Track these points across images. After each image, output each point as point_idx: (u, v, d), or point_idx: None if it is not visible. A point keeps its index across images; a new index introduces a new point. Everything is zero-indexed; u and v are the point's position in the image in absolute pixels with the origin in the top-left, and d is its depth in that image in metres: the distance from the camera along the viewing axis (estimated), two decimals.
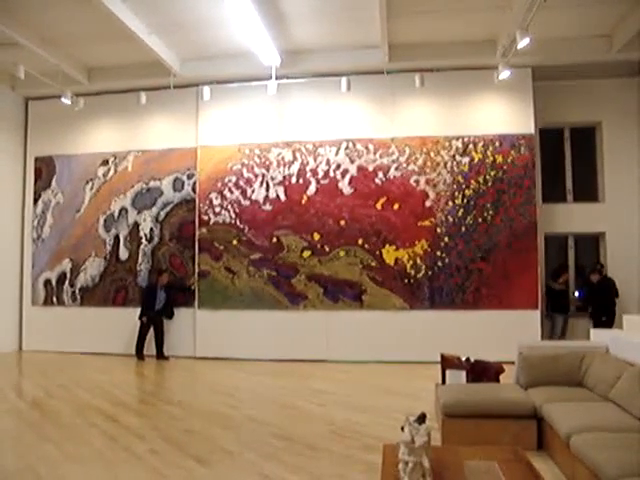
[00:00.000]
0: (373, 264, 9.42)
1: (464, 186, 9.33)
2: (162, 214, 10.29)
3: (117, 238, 10.44)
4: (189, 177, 10.21)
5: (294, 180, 9.76)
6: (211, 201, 9.98)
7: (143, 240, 10.33)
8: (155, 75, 9.81)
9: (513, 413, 4.67)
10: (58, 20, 8.29)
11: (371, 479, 3.94)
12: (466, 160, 9.34)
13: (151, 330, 9.79)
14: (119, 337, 10.18)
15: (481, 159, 9.32)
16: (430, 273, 9.29)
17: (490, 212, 9.24)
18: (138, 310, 10.04)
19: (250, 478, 4.19)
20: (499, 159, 9.27)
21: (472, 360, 5.90)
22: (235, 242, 9.83)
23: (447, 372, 5.85)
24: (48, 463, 4.45)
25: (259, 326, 9.67)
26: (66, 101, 9.49)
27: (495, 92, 9.33)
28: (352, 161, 9.61)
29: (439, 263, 9.29)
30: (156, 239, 10.28)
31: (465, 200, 9.31)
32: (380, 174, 9.52)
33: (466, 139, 9.36)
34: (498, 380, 5.76)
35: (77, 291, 10.53)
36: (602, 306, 8.95)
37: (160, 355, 9.71)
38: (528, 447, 4.23)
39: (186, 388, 7.66)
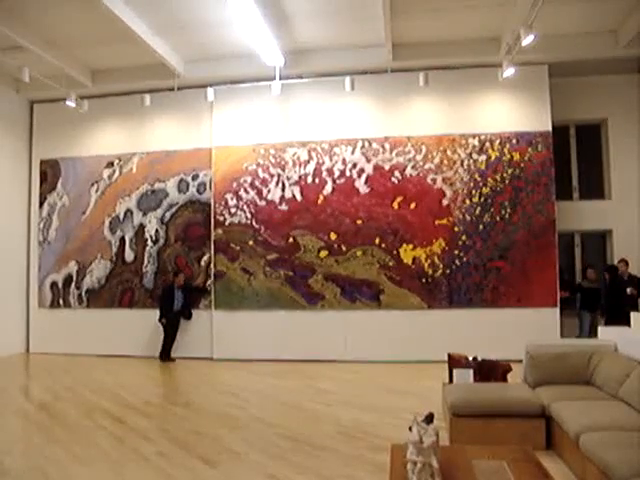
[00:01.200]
0: (390, 263, 9.38)
1: (481, 184, 9.29)
2: (167, 215, 10.30)
3: (123, 240, 10.45)
4: (194, 178, 10.21)
5: (310, 180, 9.73)
6: (226, 202, 9.96)
7: (148, 242, 10.34)
8: (159, 77, 9.82)
9: (521, 412, 4.65)
10: (62, 23, 8.32)
11: (379, 479, 3.92)
12: (483, 158, 9.30)
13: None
14: (125, 339, 10.20)
15: (498, 157, 9.27)
16: (448, 272, 9.25)
17: (508, 210, 9.18)
18: (144, 311, 10.09)
19: (257, 478, 4.18)
20: (516, 157, 9.22)
21: (479, 359, 5.87)
22: (251, 242, 9.81)
23: (454, 371, 5.82)
24: (56, 464, 4.46)
25: (276, 327, 9.63)
26: (71, 104, 9.52)
27: (511, 89, 9.27)
28: (368, 160, 9.57)
29: (457, 262, 9.24)
30: (161, 240, 10.29)
31: (482, 198, 9.27)
32: (396, 173, 9.48)
33: (482, 137, 9.31)
34: (506, 379, 5.73)
35: (83, 293, 10.55)
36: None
37: (167, 356, 9.71)
38: (537, 446, 4.21)
39: (193, 389, 7.65)
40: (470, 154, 9.34)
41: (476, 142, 9.35)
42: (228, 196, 9.96)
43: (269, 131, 9.96)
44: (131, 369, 9.04)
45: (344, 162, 9.64)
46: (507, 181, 9.23)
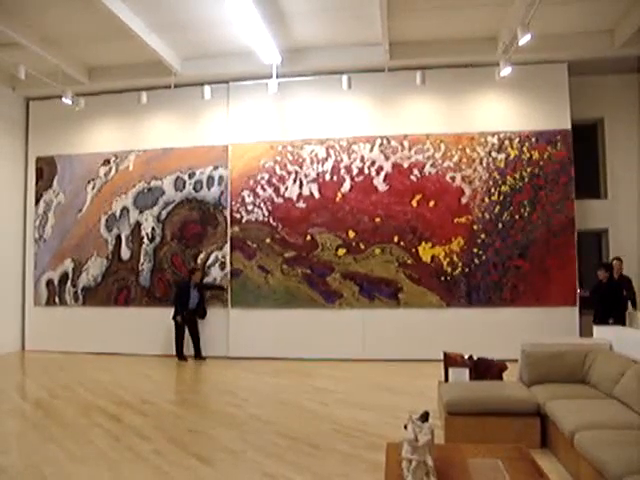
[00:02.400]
0: (409, 262, 9.37)
1: (500, 182, 9.28)
2: (164, 213, 10.29)
3: (119, 238, 10.44)
4: (190, 176, 10.20)
5: (328, 177, 9.70)
6: (243, 199, 9.92)
7: (145, 240, 10.33)
8: (156, 74, 9.81)
9: (516, 411, 4.67)
10: (58, 20, 8.29)
11: (375, 478, 3.93)
12: (502, 156, 9.30)
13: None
14: (121, 337, 10.19)
15: (517, 155, 9.27)
16: (467, 270, 9.24)
17: (527, 208, 9.18)
18: (140, 309, 10.10)
19: (253, 477, 4.19)
20: (535, 155, 9.22)
21: (475, 358, 5.89)
22: (268, 240, 9.78)
23: (450, 370, 5.82)
24: (52, 463, 4.46)
25: (293, 325, 9.60)
26: (67, 101, 9.48)
27: (530, 88, 9.30)
28: (387, 158, 9.55)
29: (476, 260, 9.25)
30: (158, 238, 10.28)
31: (501, 197, 9.27)
32: (415, 171, 9.46)
33: (502, 135, 9.31)
34: (501, 378, 5.75)
35: (79, 291, 10.54)
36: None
37: (198, 355, 9.63)
38: (532, 445, 4.22)
39: (193, 388, 7.65)
40: (489, 152, 9.33)
41: (495, 140, 9.34)
42: (245, 193, 9.91)
43: (286, 128, 9.91)
44: (127, 367, 9.03)
45: (362, 160, 9.61)
46: (526, 179, 9.23)
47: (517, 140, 9.30)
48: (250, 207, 9.89)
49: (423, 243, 9.36)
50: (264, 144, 9.93)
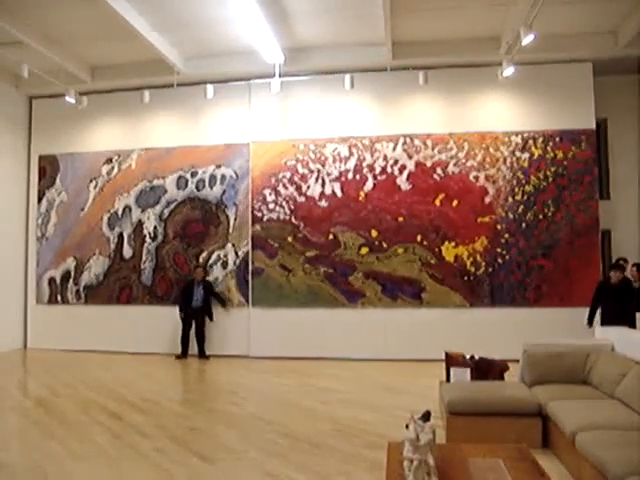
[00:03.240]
0: (432, 261, 9.33)
1: (524, 182, 9.24)
2: (166, 212, 10.29)
3: (121, 236, 10.45)
4: (193, 175, 10.21)
5: (350, 176, 9.66)
6: (264, 197, 9.88)
7: (147, 238, 10.33)
8: (158, 73, 9.80)
9: (518, 411, 4.67)
10: (61, 19, 8.30)
11: (376, 477, 3.93)
12: (526, 156, 9.26)
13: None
14: (123, 335, 10.19)
15: (541, 155, 9.23)
16: (490, 270, 9.21)
17: (551, 208, 9.15)
18: (142, 308, 10.12)
19: (254, 476, 4.19)
20: (559, 155, 9.18)
21: (476, 358, 5.89)
22: (290, 239, 9.74)
23: (452, 370, 5.82)
24: (54, 460, 4.47)
25: (315, 325, 9.55)
26: (70, 100, 9.50)
27: (555, 88, 9.26)
28: (410, 157, 9.51)
29: (499, 260, 9.21)
30: (160, 237, 10.29)
31: (525, 196, 9.23)
32: (438, 170, 9.42)
33: (525, 135, 9.27)
34: (502, 378, 5.75)
35: (81, 289, 10.55)
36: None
37: (201, 354, 9.61)
38: (533, 445, 4.22)
39: (194, 386, 7.66)
40: (513, 152, 9.30)
41: (519, 140, 9.30)
42: (266, 192, 9.88)
43: (309, 126, 9.87)
44: (129, 365, 9.04)
45: (385, 158, 9.57)
46: (550, 179, 9.19)
47: (541, 140, 9.24)
48: (272, 205, 9.84)
49: (446, 242, 9.32)
50: (286, 142, 9.89)
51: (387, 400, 6.53)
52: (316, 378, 7.90)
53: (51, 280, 10.72)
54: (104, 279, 10.45)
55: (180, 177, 10.27)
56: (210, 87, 9.42)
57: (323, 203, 9.70)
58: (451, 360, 5.89)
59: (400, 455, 2.99)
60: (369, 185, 9.60)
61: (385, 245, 9.47)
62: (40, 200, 10.90)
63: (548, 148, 9.23)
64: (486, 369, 5.75)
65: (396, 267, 9.41)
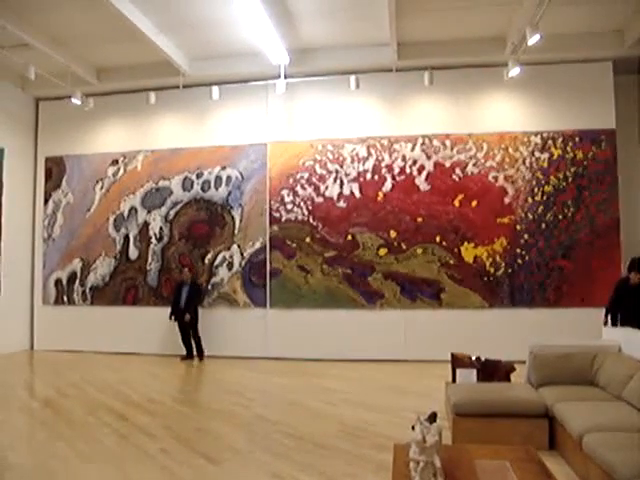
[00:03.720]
0: (451, 262, 9.30)
1: (543, 182, 9.20)
2: (172, 213, 10.32)
3: (127, 238, 10.48)
4: (198, 176, 10.23)
5: (369, 176, 9.63)
6: (282, 198, 9.87)
7: (153, 239, 10.36)
8: (164, 75, 9.83)
9: (524, 412, 4.65)
10: (68, 21, 8.34)
11: (382, 478, 3.93)
12: (545, 156, 9.22)
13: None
14: (129, 336, 10.23)
15: (561, 155, 9.19)
16: (510, 271, 9.17)
17: (571, 209, 9.10)
18: (148, 309, 10.17)
19: (260, 477, 4.19)
20: (579, 155, 9.13)
21: (483, 359, 5.87)
22: (308, 240, 9.72)
23: (457, 371, 5.81)
24: (60, 460, 4.49)
25: (333, 326, 9.52)
26: (76, 101, 9.53)
27: (576, 87, 9.21)
28: (428, 157, 9.48)
29: (519, 260, 9.17)
30: (166, 238, 10.31)
31: (545, 197, 9.18)
32: (457, 170, 9.40)
33: (545, 135, 9.23)
34: (509, 379, 5.73)
35: (87, 290, 10.59)
36: None
37: (198, 354, 9.63)
38: (539, 447, 4.19)
39: (200, 387, 7.67)
40: (532, 152, 9.26)
41: (538, 140, 9.27)
42: (284, 192, 9.86)
43: (328, 126, 9.86)
44: (135, 366, 9.07)
45: (404, 159, 9.54)
46: (570, 179, 9.14)
47: (560, 140, 9.20)
48: (290, 206, 9.84)
49: (465, 243, 9.29)
50: (304, 143, 9.88)
51: (393, 401, 6.52)
52: (322, 379, 7.89)
53: (57, 281, 10.76)
54: (110, 280, 10.49)
55: (186, 178, 10.30)
56: (216, 88, 9.45)
57: (341, 204, 9.68)
58: (457, 361, 5.87)
59: (406, 456, 2.98)
60: (388, 185, 9.56)
61: (404, 246, 9.44)
62: (46, 201, 10.95)
63: (568, 148, 9.18)
64: (492, 370, 5.73)
65: (415, 268, 9.38)
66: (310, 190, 9.79)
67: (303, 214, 9.79)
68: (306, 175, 9.82)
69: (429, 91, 9.37)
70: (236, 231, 10.04)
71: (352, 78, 9.01)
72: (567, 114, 9.26)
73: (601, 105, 9.16)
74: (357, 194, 9.65)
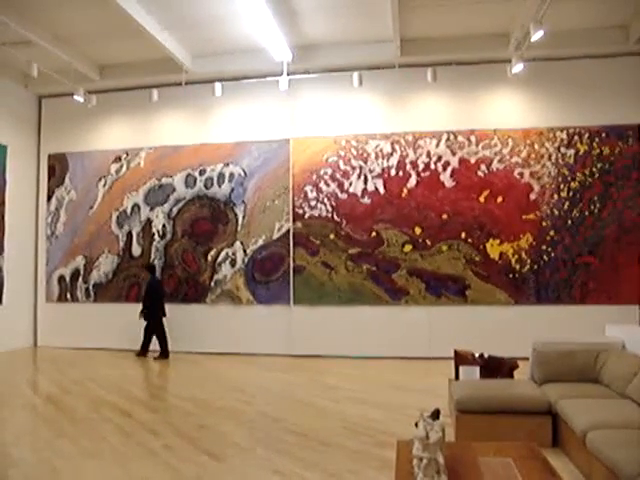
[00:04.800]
0: (477, 258, 9.26)
1: (569, 178, 9.14)
2: (174, 210, 10.32)
3: (130, 235, 10.49)
4: (201, 173, 10.22)
5: (393, 172, 9.58)
6: (306, 194, 9.82)
7: (155, 236, 10.37)
8: (167, 72, 9.83)
9: (528, 409, 4.63)
10: (70, 18, 8.34)
11: (385, 475, 3.92)
12: (571, 152, 9.16)
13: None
14: (133, 333, 10.19)
15: (587, 151, 9.12)
16: (536, 267, 9.11)
17: (597, 205, 9.04)
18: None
19: (263, 473, 4.19)
20: (606, 151, 9.06)
21: (486, 356, 5.86)
22: (332, 236, 9.68)
23: (461, 368, 5.81)
24: (64, 457, 4.50)
25: (358, 323, 9.47)
26: (79, 99, 9.53)
27: (607, 82, 9.11)
28: (453, 153, 9.43)
29: (545, 257, 9.12)
30: (168, 235, 10.32)
31: (571, 193, 9.12)
32: (482, 166, 9.35)
33: (571, 130, 9.15)
34: (512, 376, 5.72)
35: (91, 287, 10.61)
36: None
37: (142, 351, 9.60)
38: (543, 444, 4.18)
39: (202, 384, 7.66)
40: (558, 148, 9.20)
41: (564, 135, 9.20)
42: (308, 188, 9.82)
43: (351, 122, 9.80)
44: (138, 363, 9.09)
45: (429, 155, 9.50)
46: (596, 175, 9.07)
47: (587, 135, 9.12)
48: (313, 202, 9.80)
49: (491, 240, 9.25)
50: (327, 138, 9.83)
51: (399, 398, 6.52)
52: (327, 376, 7.90)
53: (61, 278, 10.78)
54: (113, 277, 10.50)
55: (188, 175, 10.30)
56: (218, 85, 9.42)
57: (366, 200, 9.63)
58: (460, 358, 5.87)
59: (409, 453, 2.98)
60: (412, 182, 9.52)
61: (429, 242, 9.40)
62: (49, 199, 10.97)
63: (594, 144, 9.11)
64: (495, 367, 5.73)
65: (440, 264, 9.34)
66: (334, 186, 9.74)
67: (327, 210, 9.75)
68: (330, 171, 9.77)
69: (432, 88, 9.34)
70: (239, 228, 10.03)
71: (355, 75, 8.99)
72: (593, 110, 9.14)
73: (628, 100, 9.06)
74: (381, 190, 9.60)
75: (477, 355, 5.87)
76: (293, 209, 9.84)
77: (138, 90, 10.40)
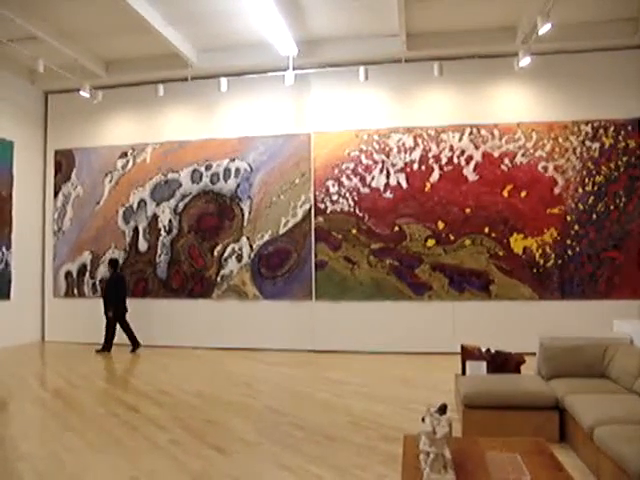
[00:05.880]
0: (500, 253, 9.20)
1: (594, 172, 9.06)
2: (181, 206, 10.33)
3: (136, 230, 10.51)
4: (207, 168, 10.23)
5: (416, 167, 9.52)
6: (327, 189, 9.77)
7: (162, 232, 10.39)
8: (172, 67, 9.83)
9: (535, 404, 4.62)
10: (76, 14, 8.34)
11: (392, 470, 3.92)
12: (596, 145, 9.07)
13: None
14: (139, 328, 10.24)
15: (612, 144, 9.03)
16: (560, 262, 9.05)
17: (622, 199, 8.96)
18: (158, 301, 10.17)
19: (269, 468, 4.20)
20: (631, 144, 8.98)
21: (493, 351, 5.84)
22: (354, 231, 9.63)
23: (467, 363, 5.78)
24: (71, 451, 4.52)
25: (381, 318, 9.43)
26: (85, 94, 9.56)
27: (623, 75, 9.00)
28: (477, 147, 9.37)
29: (569, 252, 9.05)
30: (175, 231, 10.33)
31: (596, 187, 9.04)
32: (506, 160, 9.28)
33: (596, 124, 9.05)
34: (519, 371, 5.69)
35: (97, 283, 10.64)
36: None
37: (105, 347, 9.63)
38: (550, 439, 4.16)
39: (209, 379, 7.68)
40: (583, 141, 9.12)
41: (589, 129, 9.10)
42: (329, 183, 9.77)
43: (372, 116, 9.73)
44: (144, 358, 9.12)
45: (452, 149, 9.43)
46: (622, 169, 8.99)
47: (612, 129, 9.03)
48: (335, 197, 9.75)
49: (515, 234, 9.18)
50: (349, 132, 9.77)
51: (403, 393, 6.52)
52: (334, 371, 7.90)
53: (68, 274, 10.82)
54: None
55: (194, 171, 10.30)
56: (224, 80, 9.42)
57: (388, 194, 9.58)
58: (467, 353, 5.85)
59: (416, 448, 2.97)
60: (435, 176, 9.45)
61: (452, 237, 9.34)
62: (56, 194, 11.00)
63: (620, 137, 9.02)
64: (502, 362, 5.70)
65: (463, 259, 9.29)
66: (356, 181, 9.69)
67: (349, 205, 9.70)
68: (351, 165, 9.72)
69: (439, 82, 9.29)
70: (245, 223, 10.04)
71: (361, 69, 8.96)
72: (619, 102, 9.02)
73: None
74: (404, 185, 9.54)
75: (484, 350, 5.85)
76: (315, 204, 9.79)
77: (144, 86, 10.42)
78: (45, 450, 4.59)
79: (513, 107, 9.37)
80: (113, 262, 9.90)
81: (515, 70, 8.73)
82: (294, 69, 9.17)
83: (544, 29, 7.01)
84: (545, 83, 9.26)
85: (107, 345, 9.60)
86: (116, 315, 9.59)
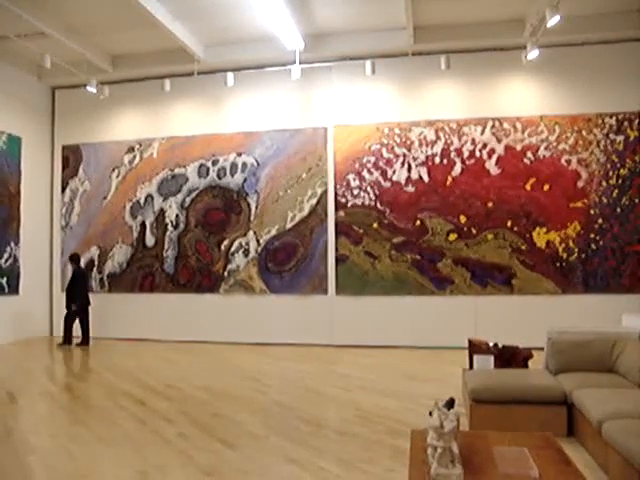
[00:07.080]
0: (523, 247, 9.14)
1: (619, 165, 8.97)
2: (187, 200, 10.35)
3: (143, 225, 10.54)
4: (214, 163, 10.23)
5: (438, 160, 9.46)
6: (348, 183, 9.72)
7: (169, 227, 10.41)
8: (179, 62, 9.83)
9: (543, 399, 4.61)
10: (82, 9, 8.35)
11: (399, 464, 3.92)
12: (621, 138, 8.97)
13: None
14: (146, 322, 10.32)
15: (637, 137, 8.93)
16: (583, 256, 8.99)
17: None
18: (165, 296, 10.20)
19: (277, 462, 4.21)
20: None
21: (500, 345, 5.83)
22: (375, 225, 9.59)
23: (475, 357, 5.77)
24: (80, 444, 4.55)
25: (402, 313, 9.41)
26: (92, 90, 9.58)
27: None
28: (499, 140, 9.30)
29: (593, 246, 8.98)
30: (182, 225, 10.36)
31: (620, 180, 8.95)
32: (529, 153, 9.20)
33: (620, 116, 8.96)
34: (527, 366, 5.69)
35: (105, 277, 10.69)
36: None
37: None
38: (558, 433, 4.15)
39: (216, 373, 7.71)
40: (607, 134, 9.02)
41: (613, 122, 9.00)
42: (350, 177, 9.72)
43: (393, 110, 9.68)
44: (152, 352, 9.15)
45: (473, 142, 9.37)
46: None
47: (637, 121, 8.92)
48: (356, 191, 9.70)
49: (537, 228, 9.12)
50: (370, 126, 9.71)
51: (412, 387, 6.51)
52: (342, 365, 7.91)
53: None
54: (127, 267, 10.58)
55: (201, 165, 10.31)
56: (230, 75, 9.42)
57: (409, 188, 9.52)
58: (474, 348, 5.84)
59: (424, 442, 2.97)
60: (457, 170, 9.39)
61: (474, 231, 9.29)
62: (64, 190, 11.05)
63: None
64: (510, 357, 5.70)
65: (486, 253, 9.24)
66: (377, 174, 9.63)
67: (370, 199, 9.66)
68: (372, 159, 9.67)
69: (446, 75, 9.25)
70: (252, 218, 10.04)
71: (368, 63, 8.92)
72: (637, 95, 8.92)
73: None
74: (425, 178, 9.48)
75: (491, 344, 5.84)
76: (335, 198, 9.77)
77: (150, 80, 10.43)
78: (54, 443, 4.62)
79: (529, 101, 9.26)
80: (75, 257, 10.04)
81: (523, 63, 8.66)
82: (300, 63, 9.15)
83: (553, 21, 6.95)
84: (564, 76, 9.17)
85: (67, 338, 9.71)
86: (79, 309, 9.71)
